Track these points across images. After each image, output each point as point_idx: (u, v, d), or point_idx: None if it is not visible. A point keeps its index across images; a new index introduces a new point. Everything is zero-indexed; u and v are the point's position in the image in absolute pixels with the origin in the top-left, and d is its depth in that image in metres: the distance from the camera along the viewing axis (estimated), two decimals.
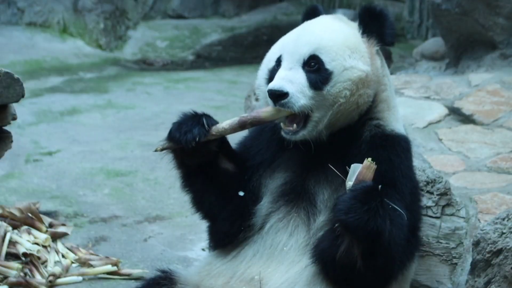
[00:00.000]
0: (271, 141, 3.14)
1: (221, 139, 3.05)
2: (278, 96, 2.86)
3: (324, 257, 2.89)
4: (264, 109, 2.93)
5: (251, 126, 2.96)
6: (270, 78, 2.98)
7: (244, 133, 3.23)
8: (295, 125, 2.93)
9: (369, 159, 2.77)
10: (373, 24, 3.01)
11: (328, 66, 2.91)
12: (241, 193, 3.09)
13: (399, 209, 2.80)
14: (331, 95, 2.91)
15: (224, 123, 2.96)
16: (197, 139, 2.91)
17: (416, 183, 3.19)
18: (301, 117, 2.93)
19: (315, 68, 2.92)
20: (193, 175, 3.11)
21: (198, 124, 2.94)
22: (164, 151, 3.04)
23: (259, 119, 2.91)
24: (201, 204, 3.17)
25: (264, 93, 2.98)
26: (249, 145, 3.19)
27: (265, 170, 3.12)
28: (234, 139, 3.22)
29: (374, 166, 2.77)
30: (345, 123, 2.99)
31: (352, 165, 2.80)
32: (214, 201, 3.11)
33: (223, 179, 3.10)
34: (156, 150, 3.02)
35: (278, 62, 2.99)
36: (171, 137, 2.98)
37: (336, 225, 2.77)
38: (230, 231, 3.10)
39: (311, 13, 3.17)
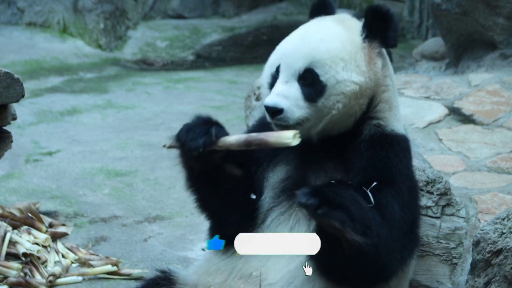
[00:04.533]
0: None
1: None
2: (274, 112, 2.93)
3: (320, 258, 2.89)
4: (273, 133, 2.91)
5: (256, 147, 2.94)
6: (272, 83, 3.04)
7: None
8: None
9: None
10: (377, 26, 3.03)
11: (322, 78, 2.96)
12: (253, 196, 3.10)
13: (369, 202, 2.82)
14: (325, 107, 2.96)
15: (231, 138, 2.94)
16: (201, 149, 2.91)
17: (414, 182, 3.19)
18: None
19: (310, 82, 2.97)
20: (197, 179, 3.10)
21: (205, 134, 2.92)
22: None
23: (265, 142, 2.89)
24: (205, 208, 3.18)
25: (266, 95, 3.04)
26: None
27: (268, 164, 3.14)
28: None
29: None
30: (340, 130, 3.03)
31: None
32: (218, 207, 3.12)
33: (228, 185, 3.09)
34: (164, 146, 3.03)
35: (277, 70, 3.04)
36: (178, 138, 2.98)
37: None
38: (236, 233, 3.10)
39: (319, 8, 3.18)
